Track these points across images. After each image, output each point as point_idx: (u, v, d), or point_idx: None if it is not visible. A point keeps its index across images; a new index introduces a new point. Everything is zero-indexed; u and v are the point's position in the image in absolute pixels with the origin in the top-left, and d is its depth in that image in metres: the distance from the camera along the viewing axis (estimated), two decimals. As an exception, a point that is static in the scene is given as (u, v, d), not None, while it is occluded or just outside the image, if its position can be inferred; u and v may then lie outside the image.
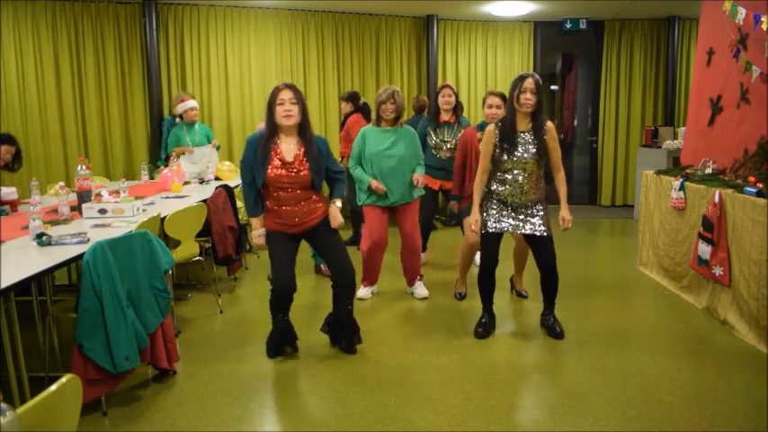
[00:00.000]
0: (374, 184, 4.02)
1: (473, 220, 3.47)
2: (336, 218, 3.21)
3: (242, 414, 2.71)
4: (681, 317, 3.91)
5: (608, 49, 8.19)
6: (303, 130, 3.11)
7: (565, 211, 3.46)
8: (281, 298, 3.19)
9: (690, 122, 5.13)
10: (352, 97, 5.69)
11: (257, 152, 3.07)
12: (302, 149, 3.11)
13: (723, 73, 4.50)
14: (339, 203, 3.24)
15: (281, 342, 3.31)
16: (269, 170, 3.05)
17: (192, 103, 5.58)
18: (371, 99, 7.49)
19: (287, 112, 3.02)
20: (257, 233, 3.21)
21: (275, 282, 3.16)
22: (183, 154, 5.48)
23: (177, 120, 5.69)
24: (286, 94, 3.03)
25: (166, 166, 5.28)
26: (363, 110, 5.60)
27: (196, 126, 5.62)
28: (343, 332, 3.36)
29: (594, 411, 2.67)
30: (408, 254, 4.26)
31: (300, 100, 3.07)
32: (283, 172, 3.07)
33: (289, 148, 3.10)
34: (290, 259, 3.18)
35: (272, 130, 3.09)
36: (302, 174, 3.09)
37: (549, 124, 3.40)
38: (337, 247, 3.26)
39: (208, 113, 6.79)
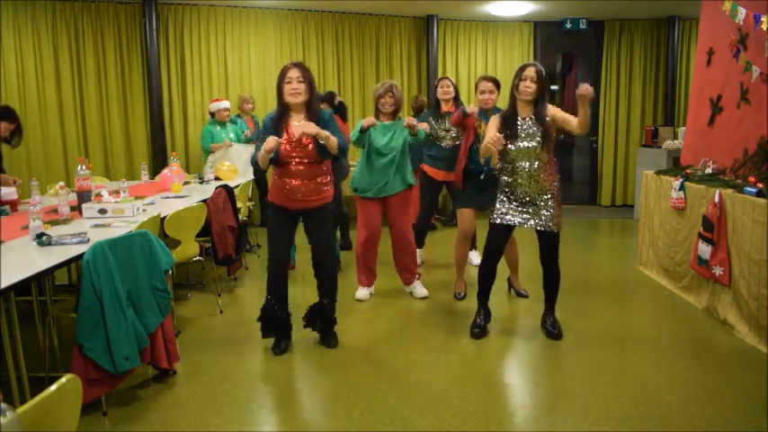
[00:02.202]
0: (366, 121, 3.95)
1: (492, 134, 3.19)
2: (311, 125, 3.05)
3: (242, 414, 2.71)
4: (681, 317, 3.91)
5: (608, 49, 8.19)
6: (310, 106, 3.20)
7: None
8: (276, 271, 3.32)
9: (690, 122, 5.13)
10: (328, 98, 5.72)
11: (270, 130, 3.18)
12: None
13: (723, 73, 4.50)
14: (326, 133, 3.09)
15: (273, 327, 3.38)
16: (281, 147, 3.15)
17: (225, 103, 6.09)
18: (371, 99, 7.51)
19: (294, 90, 3.12)
20: (270, 139, 3.05)
21: (270, 254, 3.32)
22: (222, 148, 5.88)
23: (208, 117, 6.21)
24: (293, 73, 3.13)
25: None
26: (339, 109, 5.61)
27: (227, 125, 6.10)
28: (320, 322, 3.46)
29: (594, 411, 2.67)
30: (401, 251, 4.26)
31: (308, 78, 3.15)
32: (291, 147, 3.17)
33: (297, 124, 3.20)
34: (285, 235, 3.33)
35: (283, 108, 3.21)
36: (309, 148, 3.18)
37: (550, 107, 3.36)
38: (325, 237, 3.37)
39: (207, 113, 6.78)
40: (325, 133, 3.10)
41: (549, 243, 3.46)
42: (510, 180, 3.41)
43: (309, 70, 3.19)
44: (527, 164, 3.34)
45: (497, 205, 3.46)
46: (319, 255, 3.38)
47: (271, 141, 3.03)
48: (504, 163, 3.44)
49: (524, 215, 3.40)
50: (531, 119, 3.34)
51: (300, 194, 3.21)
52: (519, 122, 3.34)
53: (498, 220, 3.44)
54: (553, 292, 3.60)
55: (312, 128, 3.06)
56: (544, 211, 3.38)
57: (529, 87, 3.27)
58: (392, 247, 4.28)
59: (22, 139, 4.25)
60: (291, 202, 3.23)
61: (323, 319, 3.45)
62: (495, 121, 3.42)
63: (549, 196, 3.38)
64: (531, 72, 3.28)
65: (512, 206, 3.41)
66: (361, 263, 4.29)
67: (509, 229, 3.48)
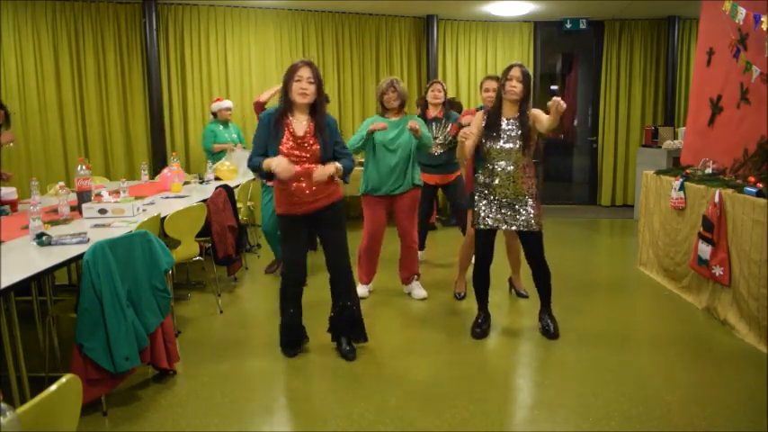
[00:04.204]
0: (375, 125, 3.92)
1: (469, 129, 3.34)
2: (326, 170, 3.05)
3: (242, 414, 2.71)
4: (681, 317, 3.91)
5: (608, 49, 8.18)
6: (315, 108, 3.12)
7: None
8: (292, 288, 3.24)
9: (690, 122, 5.13)
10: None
11: (270, 128, 3.09)
12: (312, 125, 3.12)
13: (723, 73, 4.50)
14: (339, 166, 3.11)
15: (294, 338, 3.31)
16: (282, 145, 3.06)
17: (227, 103, 6.09)
18: (371, 99, 7.52)
19: (303, 90, 3.04)
20: (277, 161, 2.95)
21: (285, 271, 3.23)
22: (225, 150, 5.91)
23: (210, 117, 6.20)
24: (304, 72, 3.04)
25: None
26: None
27: (230, 125, 6.11)
28: (347, 329, 3.33)
29: (594, 411, 2.67)
30: (406, 250, 4.29)
31: (318, 79, 3.08)
32: (294, 145, 3.08)
33: (300, 124, 3.12)
34: (301, 247, 3.24)
35: (286, 105, 3.11)
36: (313, 148, 3.10)
37: (535, 110, 3.37)
38: (340, 242, 3.26)
39: (208, 113, 6.78)
40: (336, 169, 3.07)
41: (532, 243, 3.47)
42: (488, 181, 3.42)
43: (318, 70, 3.11)
44: (507, 165, 3.36)
45: (478, 210, 3.46)
46: (337, 258, 3.26)
47: (284, 165, 2.93)
48: (483, 162, 3.46)
49: (506, 217, 3.42)
50: (515, 120, 3.36)
51: (306, 196, 3.11)
52: (503, 123, 3.36)
53: (482, 226, 3.45)
54: (545, 290, 3.61)
55: (326, 172, 3.03)
56: (524, 212, 3.40)
57: (515, 87, 3.29)
58: (401, 248, 4.31)
59: (9, 127, 4.22)
60: (298, 206, 3.13)
61: (352, 323, 3.32)
62: (479, 117, 3.45)
63: (528, 197, 3.41)
64: (516, 72, 3.30)
65: (492, 209, 3.43)
66: (364, 261, 4.29)
67: (493, 233, 3.50)
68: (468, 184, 4.08)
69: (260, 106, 4.68)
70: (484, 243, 3.50)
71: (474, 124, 3.46)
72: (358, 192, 4.29)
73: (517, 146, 3.33)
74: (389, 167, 4.06)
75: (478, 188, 3.48)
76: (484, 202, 3.45)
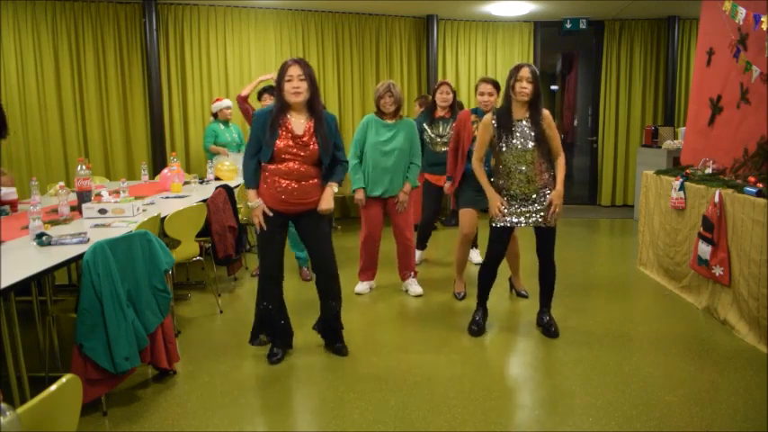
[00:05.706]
0: (358, 195, 4.13)
1: (497, 202, 3.36)
2: (328, 200, 3.12)
3: (242, 414, 2.71)
4: (681, 317, 3.91)
5: (608, 49, 8.18)
6: (312, 105, 3.07)
7: (556, 195, 3.34)
8: (268, 282, 3.18)
9: (690, 122, 5.13)
10: None
11: (266, 126, 3.03)
12: (311, 124, 3.08)
13: (723, 73, 4.50)
14: (336, 188, 3.18)
15: (268, 331, 3.28)
16: (278, 142, 3.01)
17: (226, 102, 6.11)
18: (371, 99, 7.51)
19: (295, 89, 2.98)
20: (255, 204, 3.10)
21: (262, 265, 3.18)
22: (219, 154, 5.92)
23: (211, 117, 6.24)
24: (295, 71, 2.98)
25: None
26: None
27: (230, 125, 6.14)
28: (332, 333, 3.35)
29: (594, 411, 2.67)
30: (401, 249, 4.33)
31: (309, 75, 3.02)
32: (292, 143, 3.03)
33: (299, 123, 3.07)
34: (278, 244, 3.18)
35: (282, 106, 3.05)
36: (311, 148, 3.05)
37: (546, 112, 3.37)
38: (324, 238, 3.22)
39: (208, 113, 6.79)
40: (333, 191, 3.17)
41: (546, 238, 3.47)
42: (505, 183, 3.40)
43: (311, 66, 3.05)
44: (521, 166, 3.34)
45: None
46: (322, 260, 3.22)
47: (258, 212, 3.10)
48: (498, 165, 3.44)
49: (524, 215, 3.39)
50: (526, 121, 3.34)
51: (294, 197, 3.07)
52: (514, 124, 3.34)
53: (500, 224, 3.43)
54: (549, 287, 3.60)
55: (329, 206, 3.13)
56: (542, 208, 3.38)
57: (525, 88, 3.25)
58: (397, 246, 4.35)
59: (7, 132, 4.20)
60: (284, 204, 3.08)
61: (334, 323, 3.33)
62: (487, 124, 3.39)
63: (545, 192, 3.39)
64: (526, 72, 3.26)
65: (511, 208, 3.40)
66: (363, 259, 4.36)
67: (510, 230, 3.48)
68: (456, 180, 4.10)
69: (243, 100, 4.74)
70: (499, 240, 3.47)
71: (483, 132, 3.43)
72: (351, 193, 4.33)
73: (531, 146, 3.31)
74: (384, 170, 4.11)
75: (497, 190, 3.44)
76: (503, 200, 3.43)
